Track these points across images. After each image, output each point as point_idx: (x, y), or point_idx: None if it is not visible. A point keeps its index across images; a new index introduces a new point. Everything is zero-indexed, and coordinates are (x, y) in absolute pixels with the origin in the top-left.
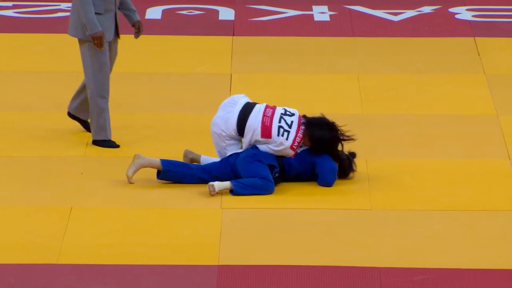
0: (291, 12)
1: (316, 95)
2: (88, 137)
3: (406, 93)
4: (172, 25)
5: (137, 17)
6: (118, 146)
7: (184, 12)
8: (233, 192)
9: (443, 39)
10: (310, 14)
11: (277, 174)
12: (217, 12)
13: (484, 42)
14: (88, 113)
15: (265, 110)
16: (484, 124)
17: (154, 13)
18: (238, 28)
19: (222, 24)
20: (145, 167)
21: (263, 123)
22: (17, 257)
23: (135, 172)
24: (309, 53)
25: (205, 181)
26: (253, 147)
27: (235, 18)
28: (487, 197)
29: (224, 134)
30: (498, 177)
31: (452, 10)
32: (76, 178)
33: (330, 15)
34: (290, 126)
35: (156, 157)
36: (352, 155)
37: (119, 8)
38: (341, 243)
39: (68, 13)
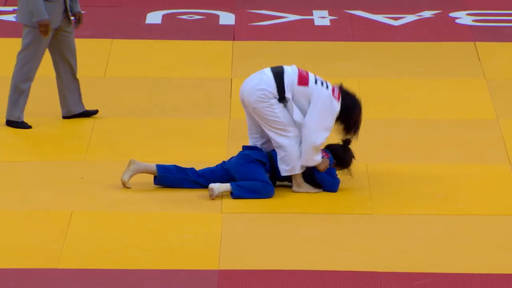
0: (292, 17)
1: None
2: (89, 140)
3: (406, 98)
4: (172, 29)
5: (79, 8)
6: (30, 127)
7: (184, 16)
8: (233, 195)
9: (443, 43)
10: (310, 18)
11: (268, 174)
12: (217, 16)
13: (485, 46)
14: (80, 104)
15: (298, 68)
16: (485, 128)
17: (154, 17)
18: (239, 32)
19: (222, 28)
20: (140, 172)
21: (299, 72)
22: (17, 261)
23: (130, 177)
24: (309, 58)
25: (202, 186)
26: (245, 148)
27: (235, 22)
28: (488, 202)
29: (267, 90)
30: (499, 182)
31: (452, 14)
32: (76, 182)
33: (331, 20)
34: (327, 86)
35: (156, 162)
36: (347, 142)
37: None
38: (341, 247)
39: None
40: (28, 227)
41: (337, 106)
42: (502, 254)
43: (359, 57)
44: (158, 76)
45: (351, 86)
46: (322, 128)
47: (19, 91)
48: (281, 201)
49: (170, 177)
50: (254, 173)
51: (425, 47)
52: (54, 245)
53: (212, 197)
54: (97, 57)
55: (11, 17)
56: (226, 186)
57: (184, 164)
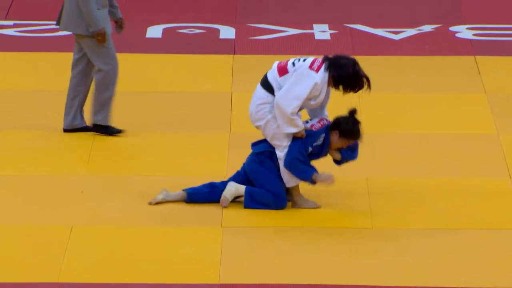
0: (292, 31)
1: None
2: (89, 154)
3: (406, 112)
4: (172, 43)
5: (120, 14)
6: (120, 131)
7: (184, 30)
8: (244, 205)
9: (443, 57)
10: (311, 32)
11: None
12: (218, 30)
13: (485, 61)
14: (82, 119)
15: (278, 62)
16: (485, 143)
17: (154, 31)
18: (239, 46)
19: (223, 42)
20: (170, 200)
21: (278, 65)
22: (17, 276)
23: (159, 201)
24: None
25: None
26: (253, 144)
27: (236, 36)
28: (488, 216)
29: (262, 103)
30: (499, 196)
31: (452, 29)
32: (76, 196)
33: (331, 34)
34: (304, 60)
35: (156, 175)
36: (353, 112)
37: None
38: (342, 261)
39: None
40: (28, 241)
41: (315, 77)
42: (504, 268)
43: None
44: (158, 90)
45: (351, 100)
46: (291, 97)
47: (108, 98)
48: (281, 215)
49: (200, 193)
50: (267, 182)
51: (425, 61)
52: (54, 259)
53: (225, 206)
54: None
55: (11, 31)
56: (240, 191)
57: (184, 177)
